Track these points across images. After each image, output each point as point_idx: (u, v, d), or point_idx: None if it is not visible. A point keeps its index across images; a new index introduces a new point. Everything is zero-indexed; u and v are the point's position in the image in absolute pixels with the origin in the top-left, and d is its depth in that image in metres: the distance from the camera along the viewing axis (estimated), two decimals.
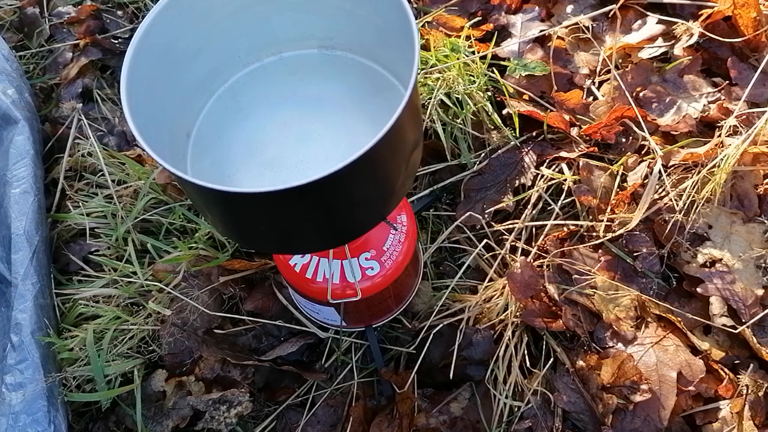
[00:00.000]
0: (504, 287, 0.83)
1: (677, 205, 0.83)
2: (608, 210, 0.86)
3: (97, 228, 0.94)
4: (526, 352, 0.80)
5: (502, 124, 0.94)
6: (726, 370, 0.76)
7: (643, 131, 0.89)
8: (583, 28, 1.00)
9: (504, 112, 0.96)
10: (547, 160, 0.92)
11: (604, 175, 0.89)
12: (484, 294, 0.84)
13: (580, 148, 0.90)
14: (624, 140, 0.92)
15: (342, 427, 0.80)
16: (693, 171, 0.85)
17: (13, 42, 1.21)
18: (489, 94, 0.96)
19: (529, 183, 0.90)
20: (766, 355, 0.75)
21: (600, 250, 0.85)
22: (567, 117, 0.92)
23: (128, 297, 0.88)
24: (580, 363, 0.78)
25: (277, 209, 0.47)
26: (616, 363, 0.76)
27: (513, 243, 0.87)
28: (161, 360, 0.84)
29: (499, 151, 0.93)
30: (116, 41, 1.18)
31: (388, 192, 0.53)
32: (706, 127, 0.92)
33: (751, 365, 0.76)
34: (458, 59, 0.94)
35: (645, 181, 0.86)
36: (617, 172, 0.88)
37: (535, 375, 0.79)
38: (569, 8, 1.06)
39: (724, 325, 0.78)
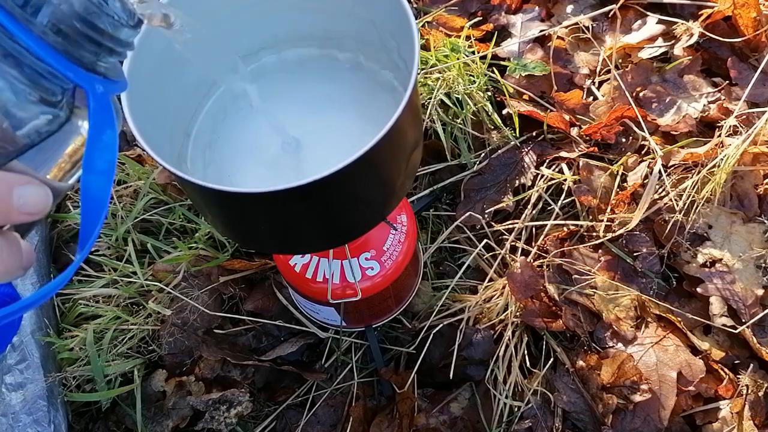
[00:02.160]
0: (504, 287, 0.83)
1: (677, 205, 0.83)
2: (608, 210, 0.86)
3: None
4: (526, 352, 0.80)
5: (502, 124, 0.94)
6: (726, 370, 0.76)
7: (643, 131, 0.89)
8: (583, 28, 1.00)
9: (504, 112, 0.96)
10: (547, 160, 0.92)
11: (604, 175, 0.89)
12: (484, 294, 0.84)
13: (580, 148, 0.90)
14: (624, 140, 0.92)
15: (342, 427, 0.80)
16: (693, 171, 0.85)
17: None
18: (489, 94, 0.96)
19: (529, 183, 0.90)
20: (766, 355, 0.75)
21: (600, 250, 0.85)
22: (567, 117, 0.92)
23: (128, 297, 0.88)
24: (580, 363, 0.78)
25: (277, 209, 0.47)
26: (616, 363, 0.76)
27: (513, 243, 0.87)
28: (161, 360, 0.84)
29: (499, 151, 0.93)
30: None
31: (388, 192, 0.53)
32: (706, 127, 0.92)
33: (751, 365, 0.76)
34: (458, 59, 0.94)
35: (645, 181, 0.86)
36: (617, 172, 0.88)
37: (535, 375, 0.79)
38: (569, 8, 1.06)
39: (724, 325, 0.78)
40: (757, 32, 0.95)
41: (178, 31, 0.40)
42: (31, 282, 0.86)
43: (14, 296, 0.32)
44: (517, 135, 0.93)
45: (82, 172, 0.30)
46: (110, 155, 0.30)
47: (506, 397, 0.77)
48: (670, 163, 0.87)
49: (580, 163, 0.89)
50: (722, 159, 0.83)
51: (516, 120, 0.93)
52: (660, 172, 0.83)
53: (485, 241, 0.87)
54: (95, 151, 0.30)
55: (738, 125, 0.87)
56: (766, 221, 0.83)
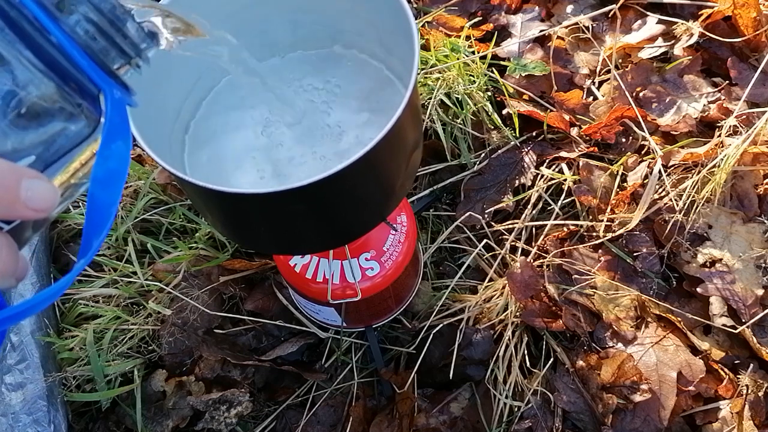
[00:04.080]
0: (504, 287, 0.83)
1: (677, 205, 0.83)
2: (608, 210, 0.86)
3: None
4: (526, 352, 0.80)
5: (502, 124, 0.94)
6: (726, 370, 0.76)
7: (643, 131, 0.89)
8: (583, 28, 1.00)
9: (504, 112, 0.96)
10: (547, 160, 0.92)
11: (604, 175, 0.89)
12: (484, 294, 0.84)
13: (580, 148, 0.90)
14: (624, 140, 0.92)
15: (342, 427, 0.80)
16: (693, 171, 0.85)
17: None
18: (489, 94, 0.96)
19: (529, 183, 0.90)
20: (766, 355, 0.75)
21: (600, 250, 0.85)
22: (567, 117, 0.92)
23: (128, 297, 0.88)
24: (580, 363, 0.78)
25: (277, 210, 0.47)
26: (616, 363, 0.76)
27: (513, 243, 0.87)
28: (161, 360, 0.84)
29: (499, 151, 0.93)
30: None
31: (388, 193, 0.53)
32: (706, 127, 0.92)
33: (751, 365, 0.76)
34: (458, 59, 0.94)
35: (645, 181, 0.86)
36: (617, 172, 0.88)
37: (535, 375, 0.79)
38: (569, 8, 1.06)
39: (724, 325, 0.78)
40: (757, 32, 0.95)
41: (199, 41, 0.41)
42: (31, 282, 0.86)
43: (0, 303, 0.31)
44: (517, 135, 0.93)
45: (90, 181, 0.30)
46: (116, 165, 0.30)
47: (506, 397, 0.77)
48: (670, 163, 0.87)
49: (580, 163, 0.89)
50: (722, 159, 0.83)
51: (516, 120, 0.93)
52: (660, 172, 0.83)
53: (485, 241, 0.87)
54: (100, 158, 0.29)
55: (738, 125, 0.87)
56: (766, 221, 0.83)
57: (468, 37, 0.99)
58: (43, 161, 0.29)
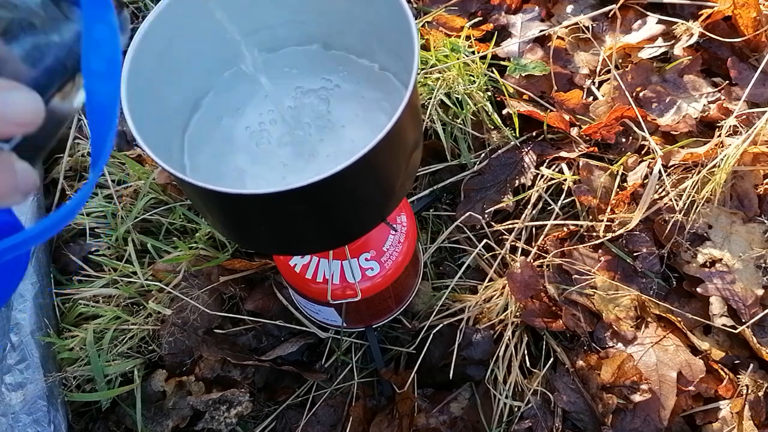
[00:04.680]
0: (504, 287, 0.83)
1: (677, 205, 0.83)
2: (608, 210, 0.86)
3: (97, 228, 0.94)
4: (526, 352, 0.80)
5: (502, 124, 0.94)
6: (726, 370, 0.76)
7: (643, 131, 0.89)
8: (583, 28, 1.00)
9: (504, 112, 0.96)
10: (547, 160, 0.92)
11: (604, 175, 0.89)
12: (484, 294, 0.84)
13: (580, 148, 0.90)
14: (624, 140, 0.92)
15: (342, 427, 0.80)
16: (693, 171, 0.85)
17: None
18: (489, 94, 0.96)
19: (529, 183, 0.90)
20: (766, 355, 0.75)
21: (600, 250, 0.85)
22: (567, 117, 0.92)
23: (128, 297, 0.88)
24: (580, 363, 0.78)
25: (277, 211, 0.47)
26: (616, 363, 0.76)
27: (513, 243, 0.87)
28: (161, 360, 0.84)
29: (499, 151, 0.93)
30: None
31: (388, 193, 0.53)
32: (706, 127, 0.92)
33: (751, 365, 0.76)
34: (458, 59, 0.94)
35: (645, 181, 0.86)
36: (617, 172, 0.88)
37: (535, 375, 0.79)
38: (569, 8, 1.06)
39: (724, 325, 0.78)
40: (757, 32, 0.95)
41: None
42: (31, 282, 0.86)
43: (16, 226, 0.30)
44: (517, 135, 0.93)
45: (83, 77, 0.27)
46: (108, 52, 0.27)
47: (506, 397, 0.77)
48: (670, 163, 0.87)
49: (580, 163, 0.89)
50: (722, 159, 0.83)
51: (516, 120, 0.93)
52: (660, 172, 0.83)
53: (485, 241, 0.87)
54: (87, 46, 0.27)
55: (738, 125, 0.87)
56: (766, 221, 0.83)
57: (468, 37, 0.99)
58: (33, 81, 0.27)
